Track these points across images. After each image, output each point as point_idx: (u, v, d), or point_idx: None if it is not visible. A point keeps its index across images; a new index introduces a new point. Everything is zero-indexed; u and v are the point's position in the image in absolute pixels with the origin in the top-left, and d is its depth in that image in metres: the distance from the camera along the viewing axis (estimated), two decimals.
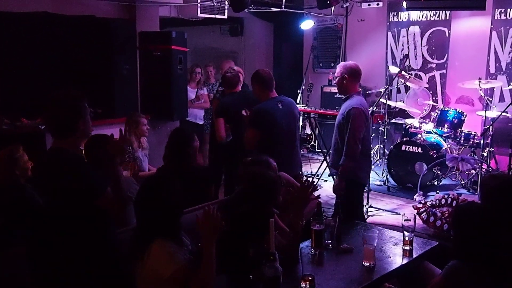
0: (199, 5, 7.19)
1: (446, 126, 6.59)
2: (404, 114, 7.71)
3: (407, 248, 3.24)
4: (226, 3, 6.72)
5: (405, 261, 3.16)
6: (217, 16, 7.26)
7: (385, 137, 7.06)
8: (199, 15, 7.30)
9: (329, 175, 6.49)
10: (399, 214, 5.62)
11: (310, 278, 2.64)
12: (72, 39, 6.13)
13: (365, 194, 5.88)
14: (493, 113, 6.42)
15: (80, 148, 3.04)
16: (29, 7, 5.73)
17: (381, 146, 7.23)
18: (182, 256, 2.58)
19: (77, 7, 6.16)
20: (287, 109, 4.62)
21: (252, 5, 7.17)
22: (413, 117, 7.43)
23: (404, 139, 6.84)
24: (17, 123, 5.57)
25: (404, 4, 4.96)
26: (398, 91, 7.87)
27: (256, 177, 3.19)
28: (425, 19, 7.88)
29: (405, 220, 3.31)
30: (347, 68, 4.46)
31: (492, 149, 6.29)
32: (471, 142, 6.46)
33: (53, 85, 5.52)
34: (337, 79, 4.53)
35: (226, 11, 7.41)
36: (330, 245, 3.28)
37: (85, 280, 2.66)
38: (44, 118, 2.76)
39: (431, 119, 6.81)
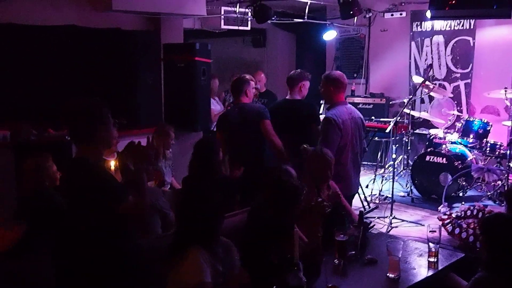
0: (222, 17, 7.27)
1: (471, 136, 6.51)
2: (428, 124, 7.64)
3: (432, 259, 3.21)
4: (249, 14, 6.78)
5: (430, 272, 3.13)
6: (240, 28, 7.33)
7: (409, 148, 7.00)
8: (223, 26, 7.38)
9: None
10: (424, 225, 5.57)
11: None
12: (99, 51, 6.27)
13: (389, 205, 5.85)
14: None
15: (103, 157, 3.08)
16: (58, 21, 5.89)
17: (405, 156, 7.17)
18: (211, 271, 2.59)
19: (103, 20, 6.29)
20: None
21: (275, 16, 7.22)
22: (437, 128, 7.35)
23: (429, 149, 6.77)
24: (45, 133, 5.69)
25: (428, 13, 4.94)
26: (422, 101, 7.82)
27: (279, 184, 3.21)
28: (449, 29, 7.82)
29: (430, 231, 3.28)
30: (330, 79, 4.62)
31: None
32: (497, 153, 6.36)
33: (80, 96, 5.64)
34: (322, 89, 4.70)
35: (249, 22, 7.48)
36: (354, 256, 3.27)
37: (106, 285, 2.70)
38: (62, 121, 2.78)
39: (456, 130, 6.74)
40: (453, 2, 4.56)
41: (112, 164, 4.18)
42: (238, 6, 6.63)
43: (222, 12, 7.23)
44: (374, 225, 4.96)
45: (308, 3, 7.03)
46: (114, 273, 2.71)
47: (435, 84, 7.42)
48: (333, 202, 3.58)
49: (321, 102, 7.06)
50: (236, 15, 6.90)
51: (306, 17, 7.43)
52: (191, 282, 2.51)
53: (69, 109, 2.75)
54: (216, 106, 7.14)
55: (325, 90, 4.67)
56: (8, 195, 4.75)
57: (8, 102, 5.67)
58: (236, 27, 7.31)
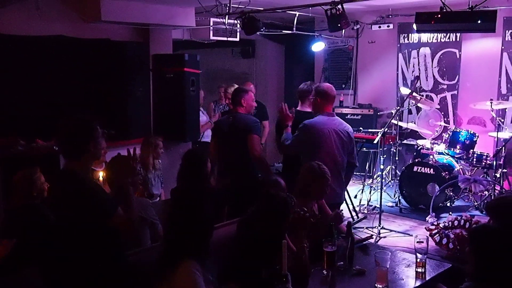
0: (211, 28, 7.30)
1: (458, 147, 6.57)
2: (415, 135, 7.70)
3: (420, 270, 3.23)
4: (238, 26, 6.82)
5: (418, 283, 3.15)
6: (229, 39, 7.37)
7: (396, 158, 7.05)
8: (212, 37, 7.42)
9: None
10: (412, 235, 5.59)
11: None
12: (87, 62, 6.26)
13: (377, 216, 5.88)
14: (505, 134, 6.41)
15: (92, 168, 3.09)
16: (46, 31, 5.88)
17: (393, 167, 7.22)
18: (205, 278, 2.59)
19: (92, 31, 6.29)
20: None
21: (264, 28, 7.26)
22: (425, 138, 7.42)
23: (416, 160, 6.83)
24: (33, 144, 5.66)
25: (415, 27, 5.01)
26: (410, 112, 7.89)
27: (268, 198, 3.21)
28: (436, 41, 7.92)
29: (417, 242, 3.30)
30: (318, 91, 4.75)
31: (505, 170, 6.27)
32: (483, 163, 6.43)
33: (68, 107, 5.63)
34: (311, 100, 4.86)
35: (238, 33, 7.52)
36: (342, 267, 3.28)
37: None
38: (55, 140, 2.82)
39: (443, 140, 6.80)
40: (438, 16, 4.62)
41: (101, 175, 4.18)
42: (227, 18, 6.66)
43: (211, 24, 7.27)
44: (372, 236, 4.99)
45: (297, 15, 7.08)
46: (104, 286, 2.70)
47: (422, 95, 7.50)
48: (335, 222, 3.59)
49: None
50: (225, 27, 6.93)
51: (294, 28, 7.48)
52: None
53: (61, 129, 2.79)
54: (202, 117, 7.16)
55: (314, 101, 4.77)
56: None
57: None
58: (225, 38, 7.35)
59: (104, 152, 4.37)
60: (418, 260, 3.23)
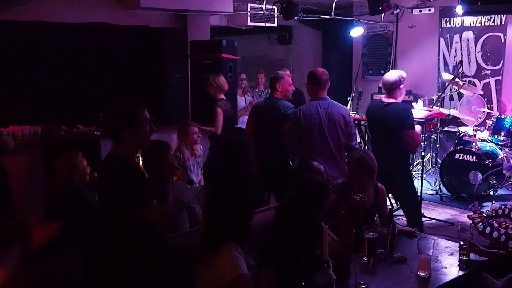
0: (249, 13, 7.26)
1: (502, 134, 6.38)
2: (457, 122, 7.51)
3: (464, 258, 3.15)
4: (276, 11, 6.77)
5: (461, 272, 3.07)
6: (266, 25, 7.32)
7: (437, 146, 6.90)
8: (249, 23, 7.38)
9: None
10: (453, 224, 5.48)
11: (364, 287, 2.61)
12: (127, 49, 6.35)
13: None
14: None
15: (137, 155, 3.09)
16: (86, 18, 5.97)
17: (434, 154, 7.07)
18: (245, 266, 2.58)
19: (131, 18, 6.36)
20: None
21: (302, 13, 7.18)
22: (467, 125, 7.22)
23: (458, 147, 6.66)
24: (74, 129, 5.78)
25: (459, 9, 4.83)
26: (451, 98, 7.68)
27: (304, 183, 3.18)
28: (479, 25, 7.67)
29: (461, 230, 3.22)
30: (309, 75, 4.68)
31: None
32: None
33: (108, 93, 5.72)
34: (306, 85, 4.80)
35: (275, 19, 7.46)
36: (383, 254, 3.23)
37: (136, 283, 2.71)
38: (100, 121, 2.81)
39: (486, 127, 6.61)
40: None
41: (140, 160, 4.21)
42: (264, 3, 6.61)
43: (249, 9, 7.23)
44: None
45: (335, 0, 6.98)
46: (144, 270, 2.73)
47: (465, 81, 7.28)
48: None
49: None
50: (262, 12, 6.88)
51: (332, 13, 7.37)
52: (229, 277, 2.49)
53: (105, 111, 2.78)
54: (239, 102, 7.15)
55: (307, 86, 4.74)
56: (39, 192, 4.83)
57: (38, 99, 5.78)
58: (262, 24, 7.30)
59: (143, 141, 4.43)
60: (462, 248, 3.15)
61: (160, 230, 2.82)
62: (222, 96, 5.95)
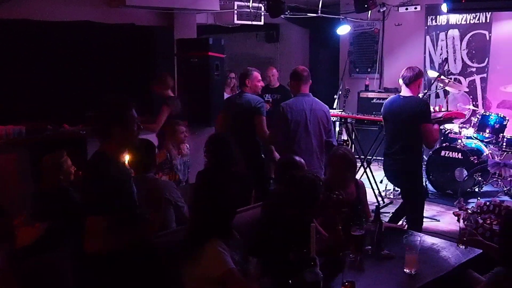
0: (235, 11, 7.24)
1: (487, 131, 6.44)
2: None
3: (461, 246, 3.27)
4: (263, 9, 6.76)
5: (448, 269, 3.09)
6: (253, 23, 7.31)
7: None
8: (236, 21, 7.36)
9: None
10: (439, 221, 5.53)
11: (351, 284, 2.62)
12: (113, 47, 6.30)
13: None
14: None
15: (123, 154, 3.07)
16: (72, 16, 5.91)
17: None
18: (231, 259, 2.61)
19: (117, 16, 6.30)
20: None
21: (288, 11, 7.18)
22: (453, 122, 7.27)
23: (444, 144, 6.71)
24: (60, 128, 5.73)
25: (444, 7, 4.86)
26: (437, 95, 7.73)
27: (295, 182, 3.16)
28: (465, 22, 7.73)
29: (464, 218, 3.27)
30: (291, 73, 4.85)
31: None
32: None
33: (94, 92, 5.67)
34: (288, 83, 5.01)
35: (262, 17, 7.45)
36: (370, 251, 3.24)
37: (123, 280, 2.70)
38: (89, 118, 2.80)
39: (472, 124, 6.67)
40: None
41: (126, 158, 4.19)
42: (251, 1, 6.60)
43: (235, 7, 7.21)
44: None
45: None
46: (130, 269, 2.72)
47: (451, 78, 7.34)
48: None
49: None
50: (249, 10, 6.87)
51: (319, 11, 7.38)
52: (218, 272, 2.53)
53: (96, 104, 2.77)
54: None
55: (290, 84, 4.93)
56: (26, 192, 4.78)
57: (23, 98, 5.71)
58: (249, 22, 7.29)
59: (131, 139, 4.40)
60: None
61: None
62: (170, 93, 5.85)
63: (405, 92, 4.75)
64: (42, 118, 5.60)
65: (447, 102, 7.52)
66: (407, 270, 2.96)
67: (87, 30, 6.05)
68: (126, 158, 4.18)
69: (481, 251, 3.37)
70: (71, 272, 2.98)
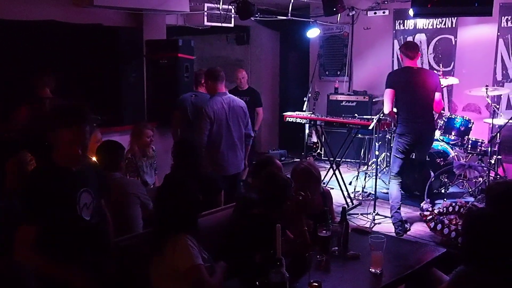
0: (205, 13, 7.22)
1: (453, 133, 6.56)
2: None
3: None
4: (233, 11, 6.75)
5: (412, 268, 3.13)
6: (223, 25, 7.29)
7: (391, 145, 7.01)
8: (206, 23, 7.32)
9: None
10: (406, 221, 5.60)
11: (317, 284, 2.63)
12: (80, 47, 6.17)
13: (372, 202, 5.88)
14: (500, 121, 6.39)
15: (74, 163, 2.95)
16: (37, 15, 5.77)
17: (388, 154, 7.20)
18: (200, 255, 2.63)
19: (84, 16, 6.19)
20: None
21: (259, 14, 7.19)
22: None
23: None
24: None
25: (411, 12, 4.96)
26: None
27: (271, 179, 3.22)
28: (431, 27, 7.87)
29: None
30: (207, 74, 5.23)
31: (499, 156, 6.26)
32: (478, 150, 6.41)
33: (59, 93, 5.56)
34: (205, 84, 5.36)
35: (232, 19, 7.45)
36: (337, 252, 3.26)
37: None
38: None
39: (438, 127, 6.78)
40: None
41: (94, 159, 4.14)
42: (221, 3, 6.59)
43: (205, 9, 7.19)
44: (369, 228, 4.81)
45: (292, 1, 7.02)
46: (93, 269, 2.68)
47: None
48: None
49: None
50: (219, 12, 6.85)
51: (289, 14, 7.41)
52: (184, 266, 2.54)
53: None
54: None
55: (206, 84, 5.27)
56: None
57: None
58: (219, 24, 7.26)
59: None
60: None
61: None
62: (49, 94, 5.32)
63: (412, 64, 5.42)
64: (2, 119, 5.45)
65: None
66: (372, 270, 3.00)
67: (52, 30, 5.91)
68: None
69: (445, 250, 3.44)
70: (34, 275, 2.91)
